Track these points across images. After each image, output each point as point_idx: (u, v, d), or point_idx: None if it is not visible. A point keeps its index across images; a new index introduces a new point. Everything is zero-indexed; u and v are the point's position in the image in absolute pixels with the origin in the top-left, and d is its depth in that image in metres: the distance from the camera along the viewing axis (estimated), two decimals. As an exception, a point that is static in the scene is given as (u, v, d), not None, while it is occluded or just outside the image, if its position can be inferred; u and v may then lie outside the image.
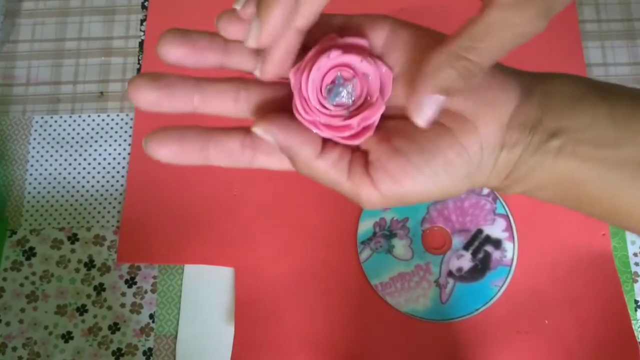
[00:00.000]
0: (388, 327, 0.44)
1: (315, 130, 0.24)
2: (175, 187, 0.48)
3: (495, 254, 0.45)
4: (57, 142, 0.50)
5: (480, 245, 0.45)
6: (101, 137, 0.50)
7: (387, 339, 0.44)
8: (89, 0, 0.54)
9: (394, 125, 0.25)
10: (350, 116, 0.24)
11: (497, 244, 0.45)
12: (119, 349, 0.45)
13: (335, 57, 0.24)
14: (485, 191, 0.46)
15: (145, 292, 0.46)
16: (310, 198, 0.47)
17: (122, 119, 0.50)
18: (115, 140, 0.50)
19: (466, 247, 0.45)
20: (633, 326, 0.43)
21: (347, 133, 0.24)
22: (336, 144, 0.25)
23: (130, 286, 0.46)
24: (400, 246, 0.46)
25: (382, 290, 0.45)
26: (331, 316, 0.45)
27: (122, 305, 0.46)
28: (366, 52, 0.24)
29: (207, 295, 0.46)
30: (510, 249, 0.45)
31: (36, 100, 0.51)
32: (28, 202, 0.49)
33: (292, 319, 0.45)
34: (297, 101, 0.24)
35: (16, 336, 0.46)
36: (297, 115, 0.24)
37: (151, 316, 0.46)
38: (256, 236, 0.47)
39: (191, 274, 0.46)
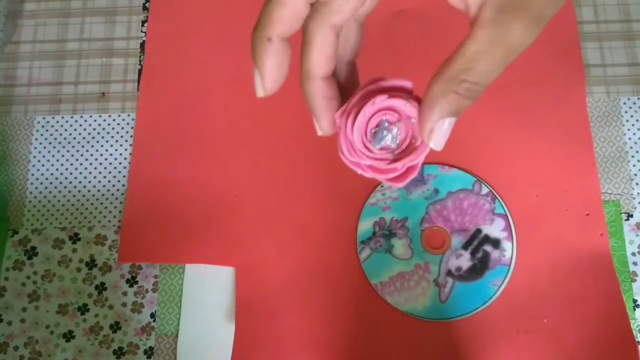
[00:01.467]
0: (387, 326, 0.45)
1: (359, 172, 0.25)
2: (176, 187, 0.48)
3: (494, 254, 0.45)
4: (59, 142, 0.50)
5: (479, 244, 0.45)
6: (102, 137, 0.50)
7: (387, 338, 0.44)
8: (91, 1, 0.54)
9: None
10: (395, 160, 0.25)
11: (496, 243, 0.45)
12: (120, 348, 0.46)
13: (380, 101, 0.24)
14: (485, 191, 0.46)
15: (147, 291, 0.47)
16: (311, 198, 0.48)
17: (123, 120, 0.51)
18: (117, 141, 0.50)
19: (465, 247, 0.45)
20: (631, 325, 0.44)
21: (391, 175, 0.25)
22: None
23: (131, 285, 0.47)
24: (399, 246, 0.46)
25: (381, 289, 0.45)
26: (331, 315, 0.45)
27: (123, 305, 0.46)
28: (410, 93, 0.24)
29: (208, 294, 0.46)
30: (509, 249, 0.45)
31: (38, 101, 0.52)
32: (30, 202, 0.49)
33: (292, 318, 0.45)
34: (341, 143, 0.24)
35: (18, 335, 0.46)
36: (341, 156, 0.25)
37: (152, 315, 0.46)
38: (256, 236, 0.47)
39: (192, 274, 0.47)
